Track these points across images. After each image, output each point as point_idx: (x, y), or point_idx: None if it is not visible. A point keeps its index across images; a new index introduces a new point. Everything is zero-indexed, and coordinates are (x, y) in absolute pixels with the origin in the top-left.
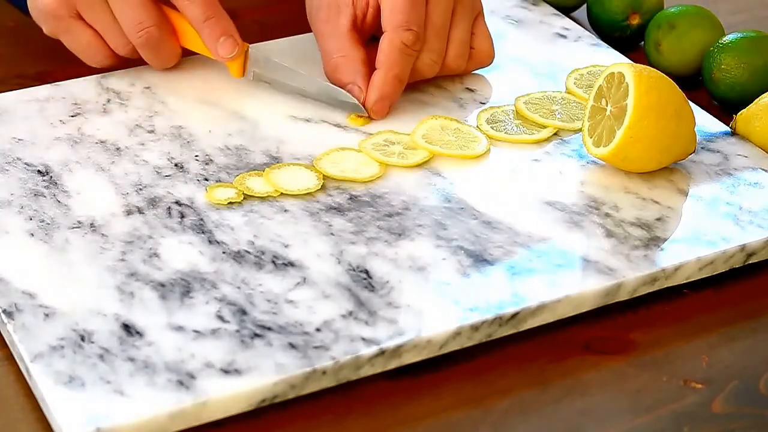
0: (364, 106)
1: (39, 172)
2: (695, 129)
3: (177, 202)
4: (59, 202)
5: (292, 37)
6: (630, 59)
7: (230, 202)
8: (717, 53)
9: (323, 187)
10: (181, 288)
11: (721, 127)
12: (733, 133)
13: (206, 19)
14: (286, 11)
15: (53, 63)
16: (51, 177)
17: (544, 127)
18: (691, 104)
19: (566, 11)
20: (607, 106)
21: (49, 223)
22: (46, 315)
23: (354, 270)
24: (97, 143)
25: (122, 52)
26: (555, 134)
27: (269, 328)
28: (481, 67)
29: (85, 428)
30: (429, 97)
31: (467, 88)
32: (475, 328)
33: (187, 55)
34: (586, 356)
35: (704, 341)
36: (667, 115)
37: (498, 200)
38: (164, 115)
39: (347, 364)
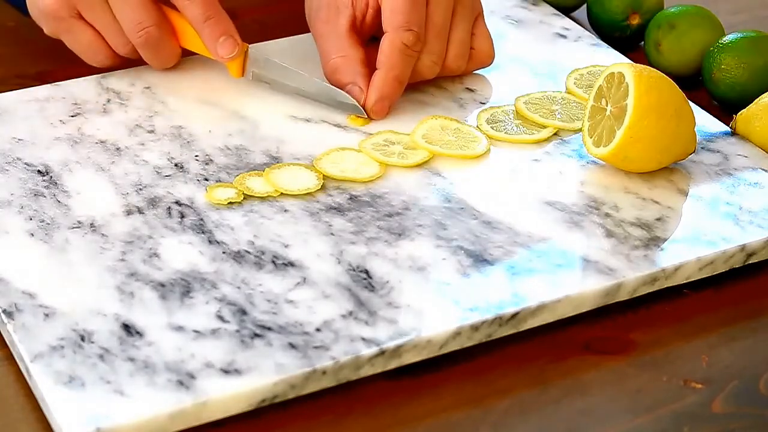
0: (363, 106)
1: (39, 172)
2: (695, 129)
3: (177, 202)
4: (59, 202)
5: (291, 37)
6: (630, 59)
7: (230, 202)
8: (717, 53)
9: (323, 187)
10: (181, 288)
11: (721, 127)
12: (733, 133)
13: (206, 19)
14: (286, 11)
15: (53, 63)
16: (51, 177)
17: (544, 127)
18: (691, 104)
19: (566, 11)
20: (607, 106)
21: (49, 223)
22: (46, 315)
23: (354, 270)
24: (97, 143)
25: (122, 51)
26: (555, 134)
27: (269, 328)
28: (482, 68)
29: (85, 428)
30: (429, 97)
31: (467, 88)
32: (475, 328)
33: (187, 55)
34: (586, 356)
35: (704, 341)
36: (667, 115)
37: (498, 200)
38: (164, 115)
39: (347, 364)
